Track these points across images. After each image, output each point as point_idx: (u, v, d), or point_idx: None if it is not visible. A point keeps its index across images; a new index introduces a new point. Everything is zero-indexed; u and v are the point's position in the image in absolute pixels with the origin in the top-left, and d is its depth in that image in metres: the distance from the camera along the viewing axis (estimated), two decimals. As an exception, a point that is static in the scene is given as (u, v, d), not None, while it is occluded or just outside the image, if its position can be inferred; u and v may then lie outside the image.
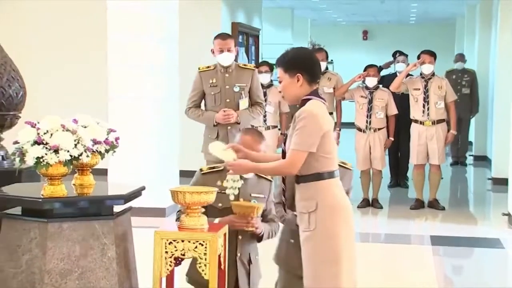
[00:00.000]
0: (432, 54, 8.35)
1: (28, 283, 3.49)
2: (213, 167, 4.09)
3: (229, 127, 6.15)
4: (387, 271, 6.28)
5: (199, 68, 6.31)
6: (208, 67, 6.29)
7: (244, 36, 12.39)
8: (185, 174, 7.64)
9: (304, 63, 3.63)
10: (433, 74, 8.36)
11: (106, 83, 8.09)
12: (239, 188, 4.03)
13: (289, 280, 4.22)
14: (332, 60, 17.77)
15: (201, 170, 4.10)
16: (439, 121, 8.31)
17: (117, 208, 3.78)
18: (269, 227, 4.11)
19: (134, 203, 3.92)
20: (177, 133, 8.34)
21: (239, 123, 6.15)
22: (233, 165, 3.67)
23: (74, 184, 3.79)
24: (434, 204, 8.59)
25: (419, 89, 8.31)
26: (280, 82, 3.69)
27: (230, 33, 10.71)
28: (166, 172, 8.02)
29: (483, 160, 12.60)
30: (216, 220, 3.88)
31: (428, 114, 8.28)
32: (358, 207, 8.59)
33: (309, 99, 3.61)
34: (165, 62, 8.06)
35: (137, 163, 7.79)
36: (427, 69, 8.32)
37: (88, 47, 10.46)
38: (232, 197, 4.00)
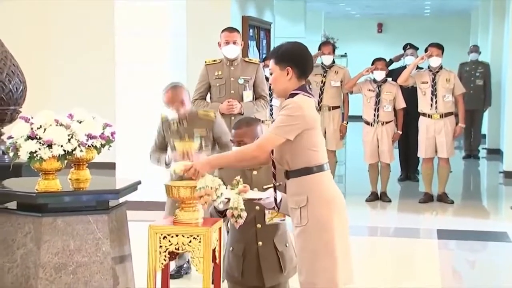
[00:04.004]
0: (440, 47, 8.28)
1: (22, 277, 3.53)
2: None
3: (232, 118, 6.24)
4: (394, 265, 6.26)
5: (205, 62, 6.48)
6: (215, 60, 6.46)
7: (255, 30, 12.18)
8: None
9: (295, 57, 3.59)
10: (441, 67, 8.29)
11: (114, 78, 8.11)
12: None
13: None
14: (346, 54, 17.67)
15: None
16: (447, 114, 8.24)
17: (114, 203, 3.80)
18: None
19: (134, 197, 3.93)
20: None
21: (242, 114, 6.25)
22: (192, 165, 3.45)
23: (70, 179, 3.81)
24: (443, 198, 8.54)
25: (427, 82, 8.25)
26: (271, 74, 3.64)
27: (240, 27, 10.71)
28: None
29: (496, 154, 12.43)
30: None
31: (436, 107, 8.22)
32: (366, 200, 8.60)
33: (296, 94, 3.58)
34: (173, 57, 8.05)
35: (144, 157, 7.79)
36: (434, 62, 8.25)
37: (96, 42, 10.46)
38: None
